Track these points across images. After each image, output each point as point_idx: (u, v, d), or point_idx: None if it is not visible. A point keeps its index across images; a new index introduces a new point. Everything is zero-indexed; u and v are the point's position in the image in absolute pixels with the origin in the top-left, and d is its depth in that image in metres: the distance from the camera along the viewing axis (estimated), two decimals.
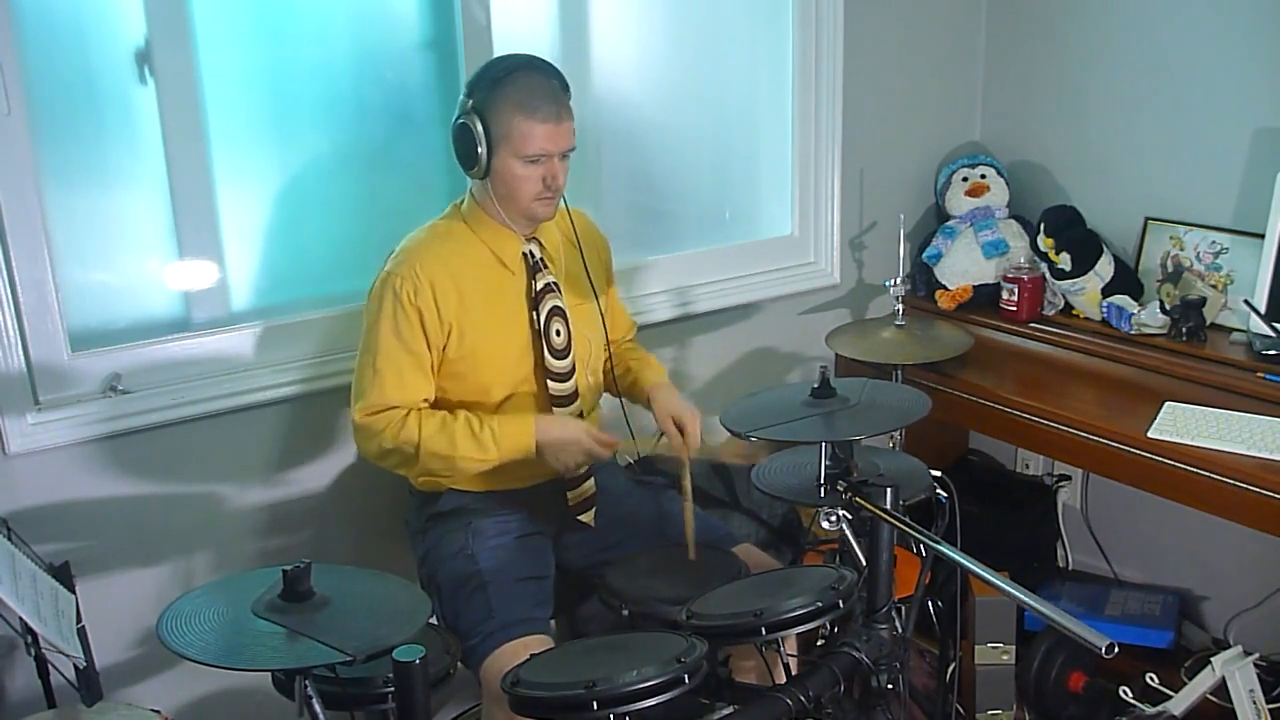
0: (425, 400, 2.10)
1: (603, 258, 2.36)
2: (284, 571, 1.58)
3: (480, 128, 2.03)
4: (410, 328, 2.06)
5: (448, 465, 2.09)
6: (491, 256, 2.14)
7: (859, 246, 3.12)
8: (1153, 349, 2.66)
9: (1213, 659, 2.43)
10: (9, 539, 1.89)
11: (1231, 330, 2.67)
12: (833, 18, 2.90)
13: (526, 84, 2.03)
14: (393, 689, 1.67)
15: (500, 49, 2.47)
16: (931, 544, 1.70)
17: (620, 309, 2.46)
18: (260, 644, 1.52)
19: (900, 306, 2.77)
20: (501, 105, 2.02)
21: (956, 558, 1.65)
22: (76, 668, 1.77)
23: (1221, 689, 2.43)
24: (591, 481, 2.26)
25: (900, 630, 1.86)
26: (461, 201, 2.19)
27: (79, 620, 1.85)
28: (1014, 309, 2.92)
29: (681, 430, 2.21)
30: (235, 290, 2.34)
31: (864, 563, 1.85)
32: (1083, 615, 2.45)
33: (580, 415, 2.24)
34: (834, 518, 1.93)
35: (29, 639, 1.77)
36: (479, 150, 2.04)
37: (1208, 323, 2.65)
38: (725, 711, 1.72)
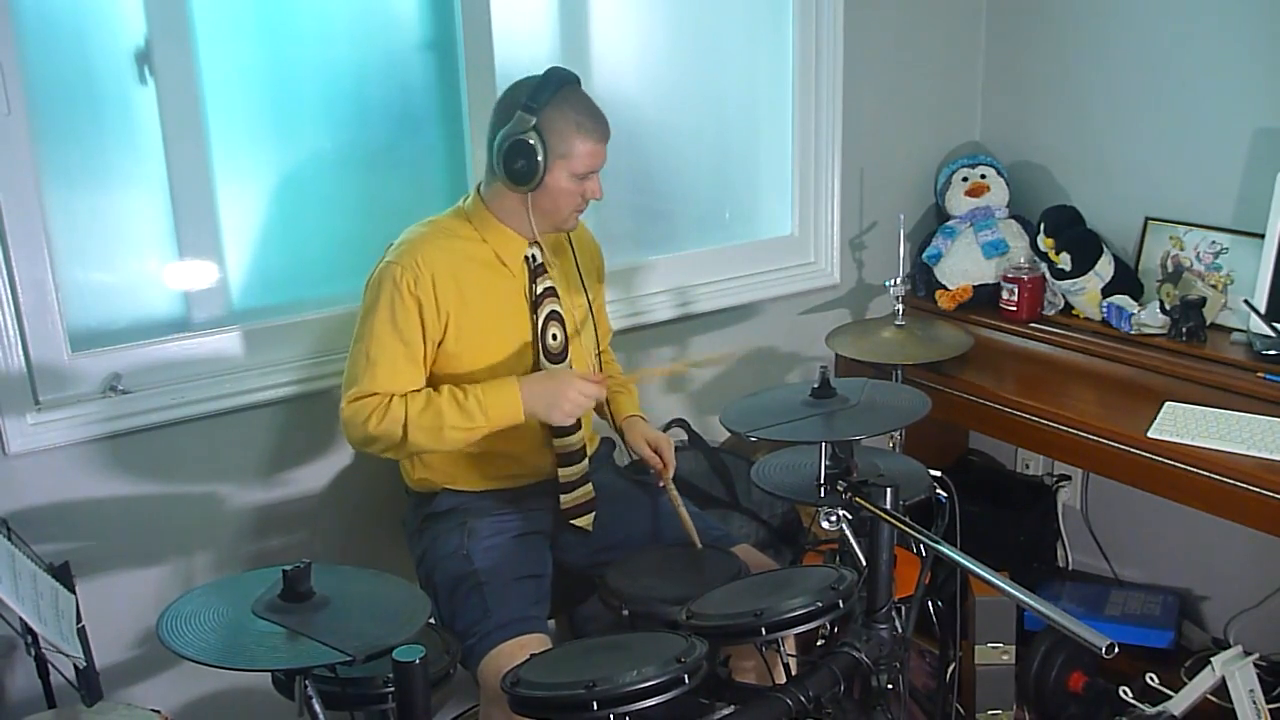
0: (415, 390, 2.10)
1: (596, 262, 2.37)
2: (284, 571, 1.59)
3: (540, 143, 2.04)
4: (407, 317, 2.06)
5: (436, 439, 2.05)
6: (493, 257, 2.15)
7: (859, 246, 3.12)
8: (1153, 349, 2.66)
9: (1213, 659, 2.42)
10: (9, 539, 1.89)
11: (1231, 330, 2.67)
12: (833, 18, 2.90)
13: (583, 103, 2.08)
14: (393, 689, 1.67)
15: (500, 49, 2.47)
16: (931, 544, 1.70)
17: (603, 314, 2.46)
18: (260, 644, 1.52)
19: (900, 306, 2.77)
20: (562, 124, 2.04)
21: (956, 558, 1.65)
22: (76, 668, 1.77)
23: (1221, 689, 2.43)
24: (589, 486, 2.26)
25: (900, 630, 1.86)
26: (465, 200, 2.19)
27: (79, 620, 1.85)
28: (1014, 309, 2.92)
29: (659, 455, 2.27)
30: (235, 290, 2.34)
31: (864, 563, 1.85)
32: (1083, 615, 2.45)
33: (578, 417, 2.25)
34: (834, 518, 1.94)
35: (29, 639, 1.77)
36: (539, 164, 2.04)
37: (1208, 323, 2.65)
38: (725, 711, 1.72)
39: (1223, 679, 2.41)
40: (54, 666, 1.88)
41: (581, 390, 2.09)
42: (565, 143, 2.05)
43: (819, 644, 1.99)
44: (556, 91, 2.05)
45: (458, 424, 2.04)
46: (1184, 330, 2.63)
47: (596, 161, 2.10)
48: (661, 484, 2.27)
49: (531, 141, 2.03)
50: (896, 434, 2.65)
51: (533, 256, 2.18)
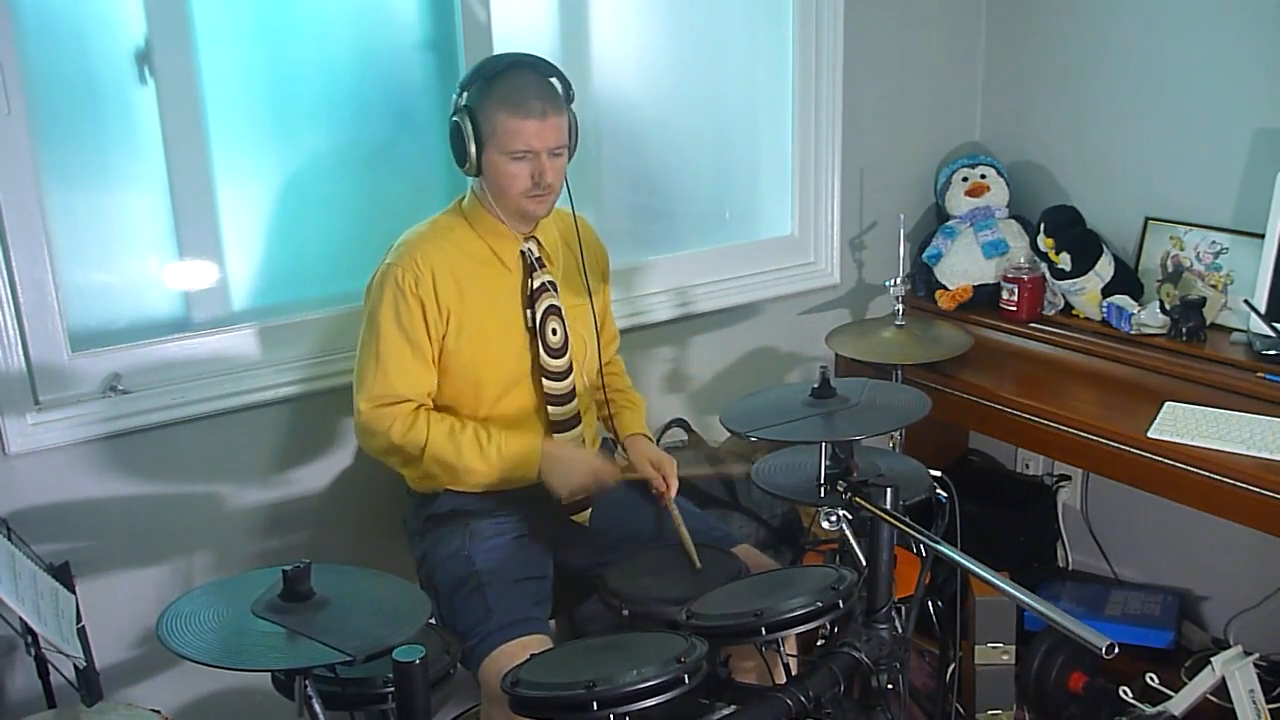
0: (428, 391, 2.11)
1: (600, 264, 2.37)
2: (284, 571, 1.58)
3: (469, 125, 2.05)
4: (412, 318, 2.07)
5: (449, 474, 2.12)
6: (490, 253, 2.15)
7: (859, 246, 3.12)
8: (1153, 349, 2.66)
9: (1213, 659, 2.43)
10: (9, 539, 1.89)
11: (1231, 330, 2.67)
12: (833, 18, 2.89)
13: (514, 81, 2.04)
14: (393, 689, 1.67)
15: (500, 49, 2.47)
16: (931, 544, 1.70)
17: (610, 318, 2.46)
18: (260, 644, 1.52)
19: (900, 306, 2.77)
20: (488, 103, 2.04)
21: (956, 558, 1.65)
22: (76, 668, 1.77)
23: (1221, 689, 2.43)
24: None
25: (900, 630, 1.86)
26: (463, 198, 2.20)
27: (79, 620, 1.85)
28: (1014, 309, 2.92)
29: (663, 476, 2.25)
30: (235, 290, 2.34)
31: (864, 563, 1.85)
32: (1083, 615, 2.45)
33: (577, 415, 2.25)
34: (834, 518, 1.93)
35: (29, 639, 1.77)
36: (469, 148, 2.06)
37: (1208, 323, 2.65)
38: (725, 711, 1.72)
39: (1223, 679, 2.41)
40: (54, 666, 1.88)
41: (593, 473, 2.15)
42: (490, 121, 2.04)
43: (819, 644, 1.99)
44: (495, 72, 2.05)
45: (473, 466, 2.10)
46: (1184, 330, 2.63)
47: (530, 140, 2.03)
48: (663, 504, 2.25)
49: (461, 124, 2.05)
50: (896, 434, 2.64)
51: (528, 251, 2.18)
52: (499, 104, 2.03)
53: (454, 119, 2.07)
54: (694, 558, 2.15)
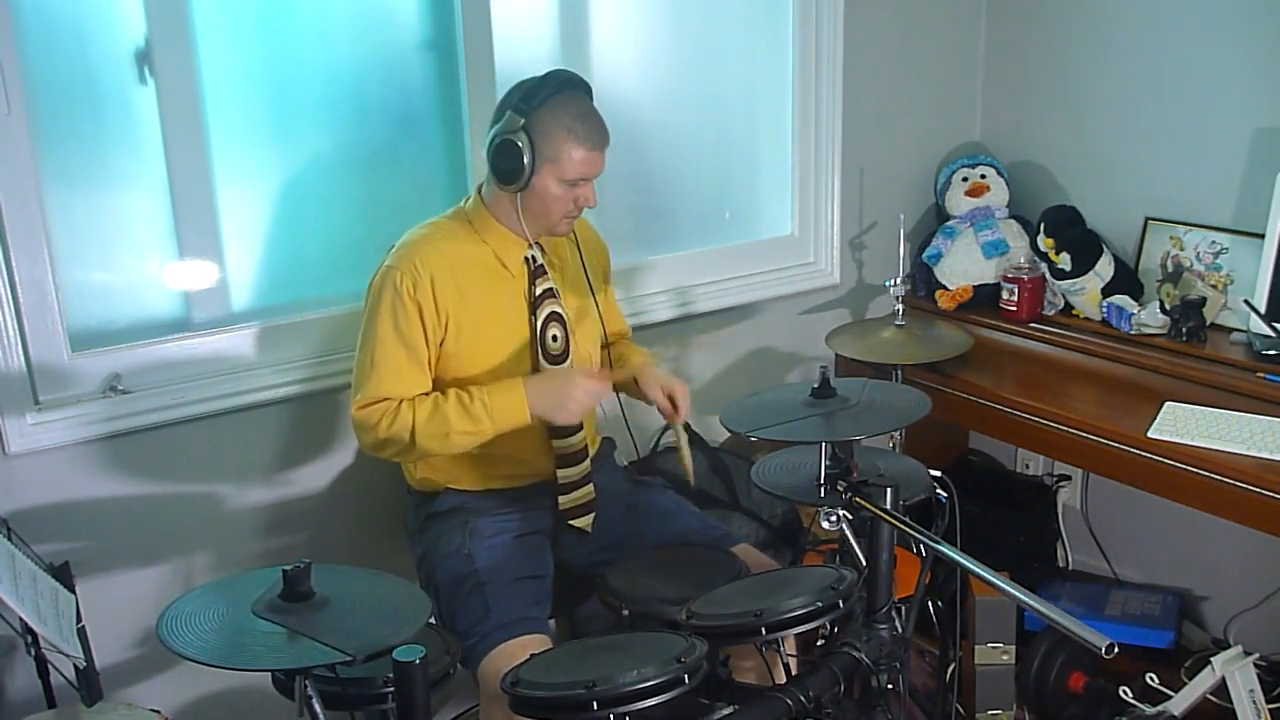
0: (421, 393, 2.10)
1: (602, 262, 2.37)
2: (284, 571, 1.59)
3: (528, 145, 2.03)
4: (409, 322, 2.06)
5: (444, 444, 2.07)
6: (493, 259, 2.15)
7: (859, 246, 3.12)
8: (1153, 349, 2.66)
9: (1213, 659, 2.43)
10: (9, 539, 1.89)
11: (1231, 330, 2.67)
12: (833, 18, 2.90)
13: (578, 108, 2.05)
14: (393, 689, 1.67)
15: (500, 49, 2.47)
16: (931, 544, 1.70)
17: (617, 311, 2.46)
18: (260, 644, 1.52)
19: (900, 306, 2.77)
20: (553, 127, 2.03)
21: (956, 558, 1.65)
22: (76, 668, 1.77)
23: (1221, 689, 2.43)
24: (590, 487, 2.25)
25: (900, 630, 1.86)
26: (466, 201, 2.19)
27: (79, 620, 1.85)
28: (1014, 309, 2.92)
29: (673, 400, 2.23)
30: (235, 290, 2.34)
31: (864, 563, 1.85)
32: (1083, 615, 2.45)
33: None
34: (834, 518, 1.94)
35: (29, 639, 1.77)
36: (524, 166, 2.04)
37: (1208, 323, 2.65)
38: (725, 711, 1.72)
39: (1223, 679, 2.41)
40: (54, 666, 1.88)
41: (586, 389, 2.09)
42: (553, 147, 2.03)
43: (819, 644, 1.99)
44: (553, 94, 2.04)
45: (464, 429, 2.05)
46: (1184, 330, 2.63)
47: (589, 169, 2.07)
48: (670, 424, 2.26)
49: (519, 143, 2.03)
50: (896, 434, 2.65)
51: (532, 258, 2.18)
52: (567, 133, 2.03)
53: (507, 137, 2.03)
54: (690, 475, 2.17)
